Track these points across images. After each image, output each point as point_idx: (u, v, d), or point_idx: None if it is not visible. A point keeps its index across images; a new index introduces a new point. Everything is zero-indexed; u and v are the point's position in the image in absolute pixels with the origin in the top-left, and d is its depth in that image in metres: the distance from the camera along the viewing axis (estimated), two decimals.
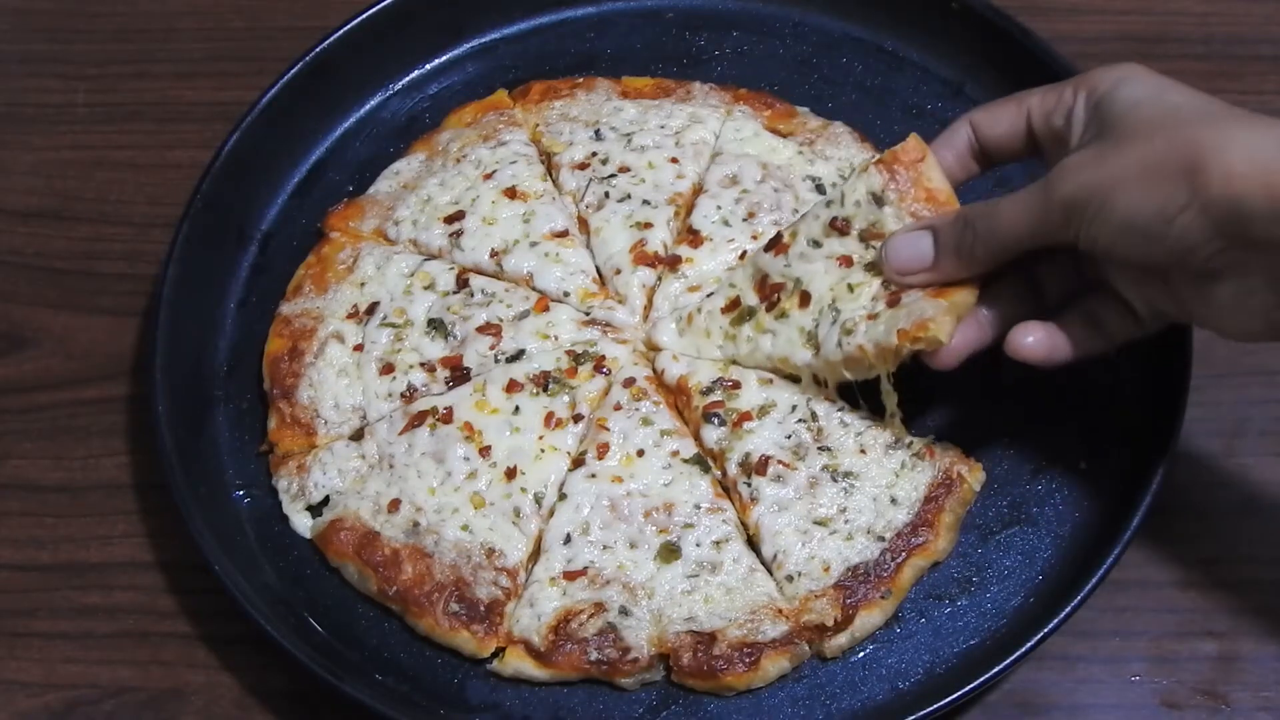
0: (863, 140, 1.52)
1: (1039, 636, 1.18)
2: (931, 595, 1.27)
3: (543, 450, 1.32)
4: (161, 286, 1.38)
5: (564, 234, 1.44)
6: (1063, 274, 1.22)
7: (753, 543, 1.28)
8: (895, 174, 1.24)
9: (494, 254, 1.43)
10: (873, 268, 1.25)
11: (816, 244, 1.28)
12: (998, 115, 1.23)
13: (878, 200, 1.24)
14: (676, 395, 1.36)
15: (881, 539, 1.26)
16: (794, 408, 1.32)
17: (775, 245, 1.31)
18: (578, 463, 1.31)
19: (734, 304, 1.33)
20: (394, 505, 1.30)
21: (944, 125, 1.53)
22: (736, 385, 1.34)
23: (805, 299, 1.28)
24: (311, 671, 1.19)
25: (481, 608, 1.25)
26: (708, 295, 1.37)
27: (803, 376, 1.30)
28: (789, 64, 1.61)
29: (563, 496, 1.29)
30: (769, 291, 1.30)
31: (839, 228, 1.26)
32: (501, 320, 1.39)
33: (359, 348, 1.40)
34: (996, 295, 1.21)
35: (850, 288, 1.25)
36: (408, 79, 1.63)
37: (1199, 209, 1.01)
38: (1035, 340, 1.17)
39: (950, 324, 1.17)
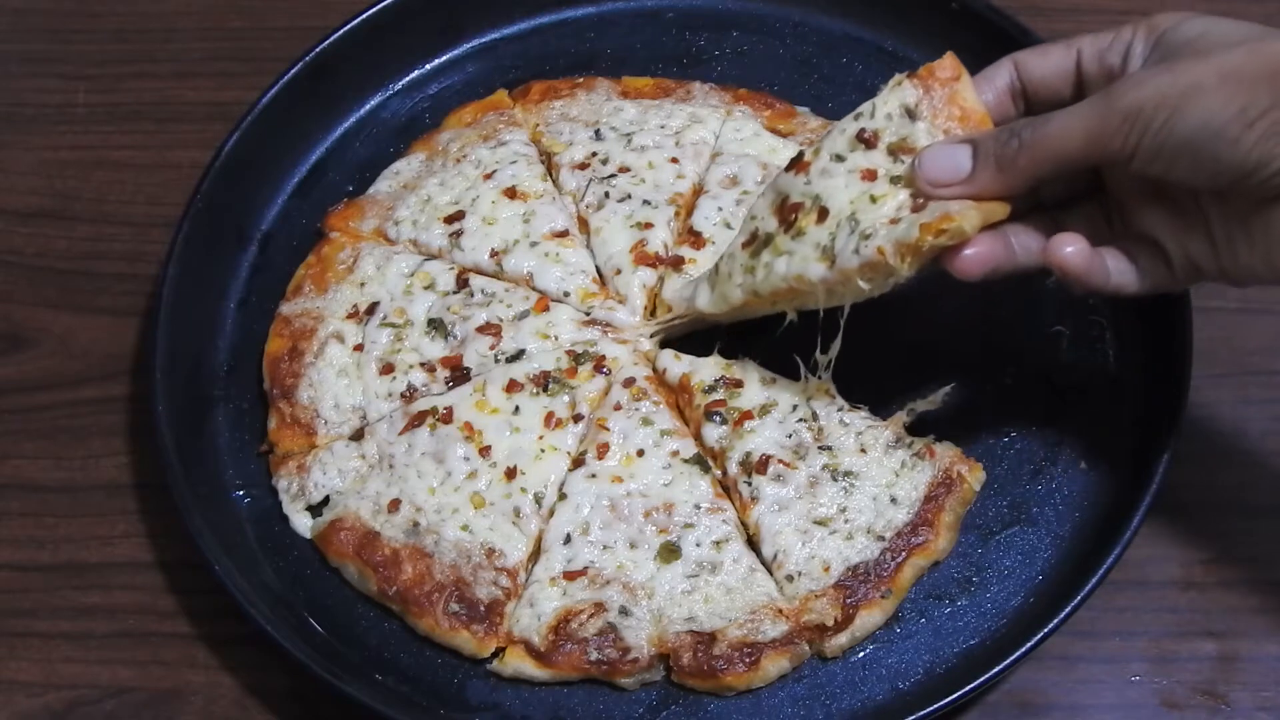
0: None
1: (1039, 636, 1.18)
2: (931, 595, 1.27)
3: (543, 450, 1.32)
4: (161, 286, 1.38)
5: (564, 234, 1.44)
6: (1089, 222, 1.17)
7: (753, 542, 1.28)
8: (930, 89, 1.18)
9: (494, 254, 1.43)
10: (899, 180, 1.17)
11: (840, 159, 1.20)
12: (1045, 54, 1.17)
13: (910, 114, 1.18)
14: (678, 393, 1.36)
15: (881, 538, 1.26)
16: (795, 407, 1.32)
17: (796, 164, 1.23)
18: (578, 463, 1.31)
19: (753, 237, 1.26)
20: (394, 505, 1.30)
21: None
22: (738, 384, 1.34)
23: (823, 214, 1.20)
24: (311, 671, 1.19)
25: (481, 608, 1.25)
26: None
27: (818, 296, 1.22)
28: (789, 64, 1.61)
29: (563, 496, 1.29)
30: (787, 213, 1.23)
31: (866, 140, 1.19)
32: (501, 320, 1.39)
33: (359, 348, 1.40)
34: (1025, 221, 1.16)
35: (872, 199, 1.17)
36: (408, 79, 1.63)
37: None
38: (1076, 250, 1.11)
39: (975, 219, 1.10)
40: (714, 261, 1.33)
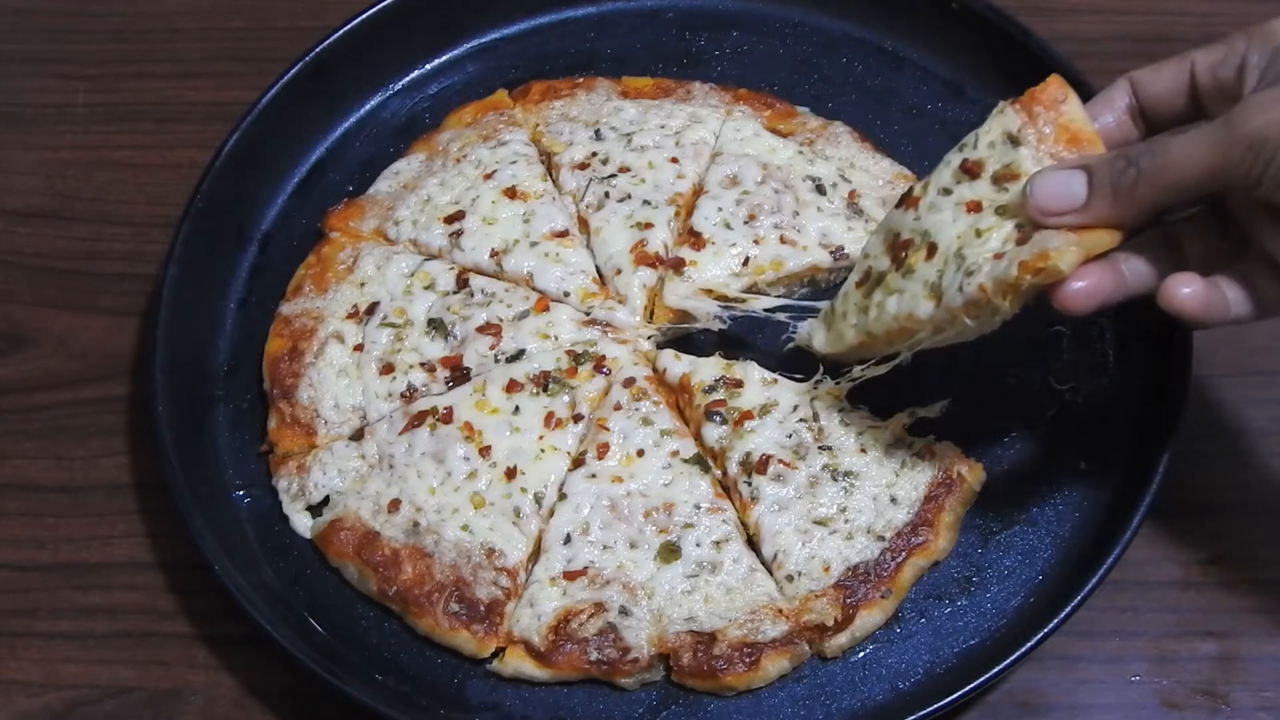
0: (862, 140, 1.52)
1: (1039, 636, 1.18)
2: (931, 595, 1.27)
3: (543, 450, 1.32)
4: (161, 286, 1.38)
5: (564, 234, 1.44)
6: (1207, 237, 1.13)
7: (753, 542, 1.28)
8: (1034, 115, 1.13)
9: (494, 254, 1.43)
10: (1004, 210, 1.13)
11: (946, 191, 1.17)
12: (1158, 72, 1.14)
13: (1014, 141, 1.14)
14: (678, 393, 1.36)
15: (881, 538, 1.26)
16: (795, 407, 1.32)
17: (906, 200, 1.21)
18: (578, 463, 1.31)
19: (867, 275, 1.24)
20: (394, 505, 1.30)
21: (944, 125, 1.55)
22: (738, 384, 1.34)
23: (932, 250, 1.16)
24: (311, 671, 1.19)
25: (481, 608, 1.25)
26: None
27: (923, 332, 1.19)
28: (789, 64, 1.61)
29: (563, 496, 1.29)
30: (898, 250, 1.20)
31: (970, 170, 1.16)
32: (501, 320, 1.39)
33: (359, 348, 1.40)
34: (1137, 248, 1.12)
35: (978, 233, 1.13)
36: (408, 79, 1.63)
37: None
38: (1192, 292, 1.06)
39: (1074, 256, 1.06)
40: (830, 303, 1.30)
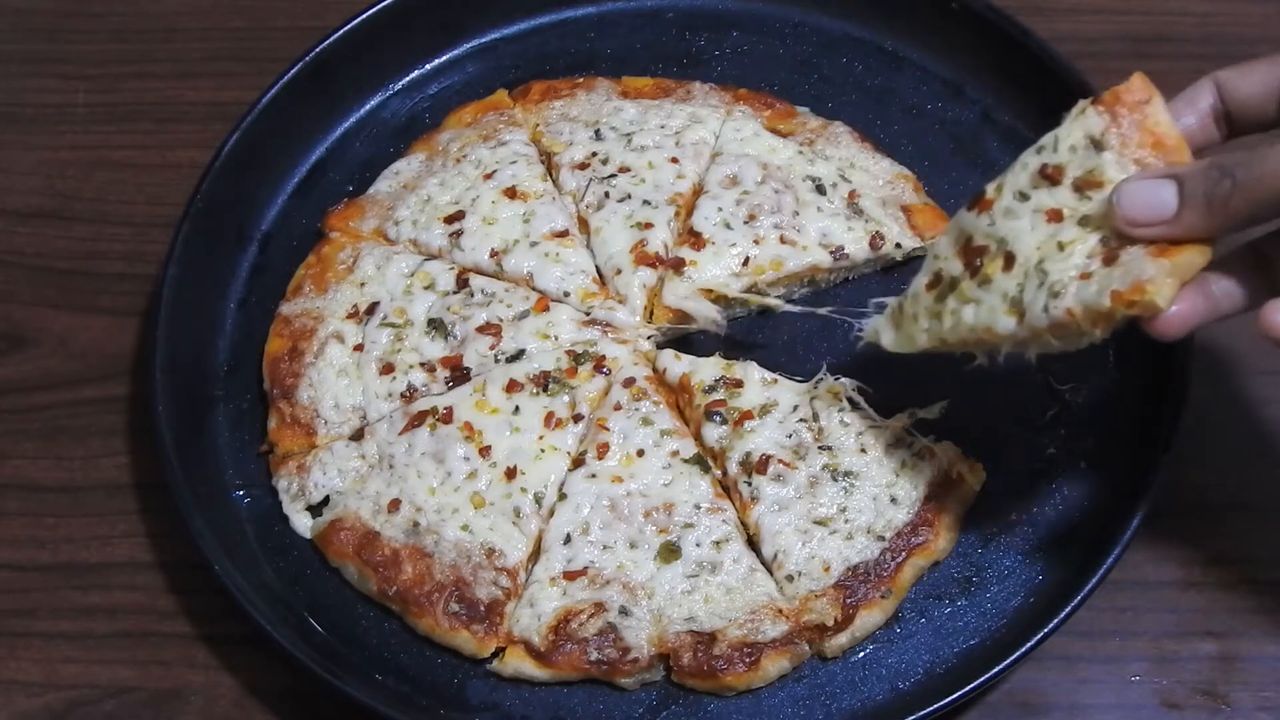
0: (862, 140, 1.52)
1: (1039, 636, 1.18)
2: (931, 595, 1.27)
3: (543, 450, 1.32)
4: (161, 286, 1.38)
5: (564, 234, 1.44)
6: None
7: (753, 543, 1.28)
8: (1117, 116, 1.08)
9: (494, 254, 1.43)
10: (1087, 222, 1.08)
11: (1023, 197, 1.12)
12: (1247, 72, 1.09)
13: (1097, 145, 1.08)
14: (678, 393, 1.36)
15: (881, 538, 1.26)
16: (795, 407, 1.32)
17: (978, 202, 1.15)
18: (578, 463, 1.31)
19: (937, 278, 1.19)
20: (394, 505, 1.30)
21: (944, 125, 1.55)
22: (738, 384, 1.34)
23: (1010, 261, 1.11)
24: (311, 671, 1.19)
25: (481, 608, 1.25)
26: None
27: (1002, 348, 1.15)
28: (789, 64, 1.61)
29: (563, 496, 1.29)
30: (972, 255, 1.15)
31: (1050, 176, 1.10)
32: (501, 320, 1.39)
33: (359, 348, 1.40)
34: (1226, 266, 1.07)
35: (1060, 245, 1.08)
36: (408, 79, 1.63)
37: None
38: None
39: (1171, 288, 1.02)
40: (896, 302, 1.26)
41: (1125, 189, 1.05)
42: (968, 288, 1.15)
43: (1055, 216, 1.10)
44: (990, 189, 1.15)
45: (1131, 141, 1.08)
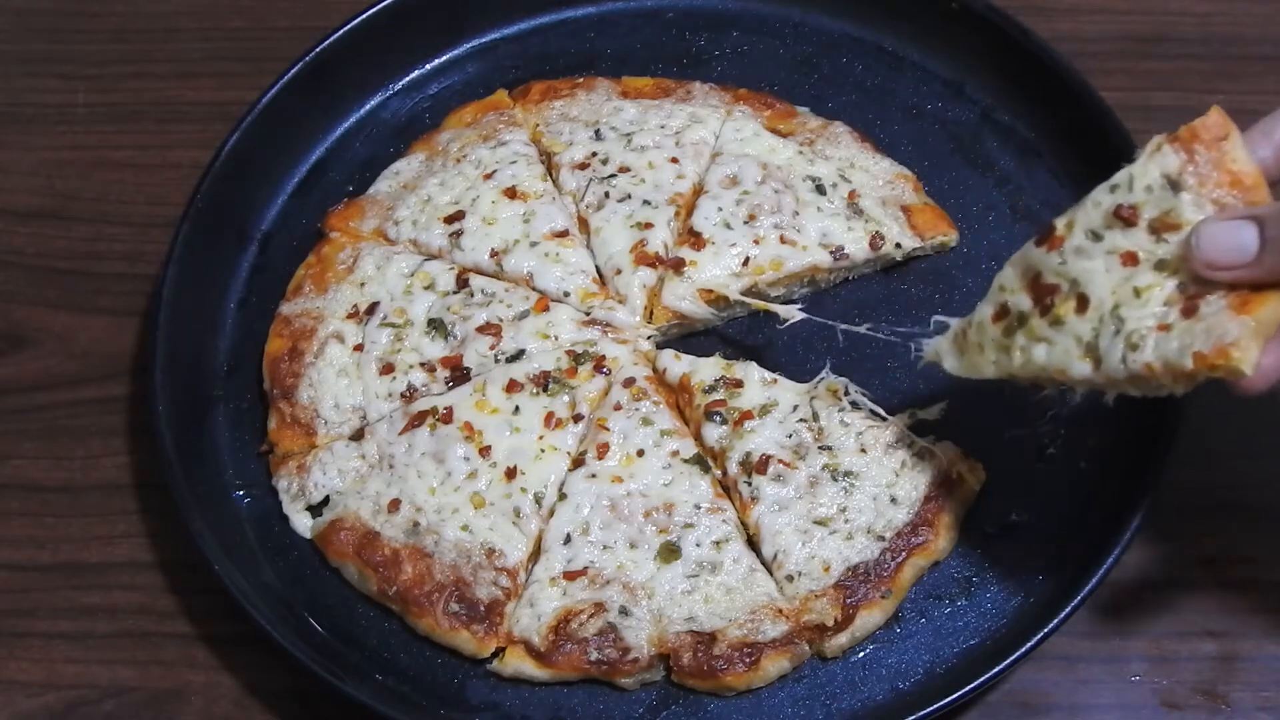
0: (862, 140, 1.52)
1: (1039, 636, 1.18)
2: (931, 595, 1.27)
3: (543, 450, 1.32)
4: (161, 286, 1.38)
5: (564, 234, 1.44)
6: None
7: (753, 543, 1.28)
8: (1194, 154, 1.05)
9: (494, 254, 1.43)
10: (1164, 266, 1.05)
11: (1096, 237, 1.09)
12: None
13: (1174, 185, 1.05)
14: (678, 393, 1.36)
15: (881, 538, 1.26)
16: (795, 407, 1.32)
17: (1047, 238, 1.12)
18: (578, 463, 1.31)
19: (1004, 310, 1.16)
20: (394, 505, 1.30)
21: (944, 125, 1.55)
22: (738, 384, 1.34)
23: (1083, 303, 1.09)
24: (311, 671, 1.19)
25: (481, 608, 1.25)
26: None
27: (1077, 390, 1.14)
28: (789, 64, 1.61)
29: (563, 496, 1.29)
30: (1041, 293, 1.12)
31: (1125, 217, 1.07)
32: (501, 320, 1.39)
33: (359, 348, 1.40)
34: None
35: (1136, 291, 1.06)
36: (408, 79, 1.63)
37: None
38: None
39: (1256, 350, 0.99)
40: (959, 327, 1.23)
41: (1204, 231, 1.02)
42: (1038, 326, 1.13)
43: (1130, 260, 1.07)
44: (1060, 224, 1.12)
45: (1209, 180, 1.05)
